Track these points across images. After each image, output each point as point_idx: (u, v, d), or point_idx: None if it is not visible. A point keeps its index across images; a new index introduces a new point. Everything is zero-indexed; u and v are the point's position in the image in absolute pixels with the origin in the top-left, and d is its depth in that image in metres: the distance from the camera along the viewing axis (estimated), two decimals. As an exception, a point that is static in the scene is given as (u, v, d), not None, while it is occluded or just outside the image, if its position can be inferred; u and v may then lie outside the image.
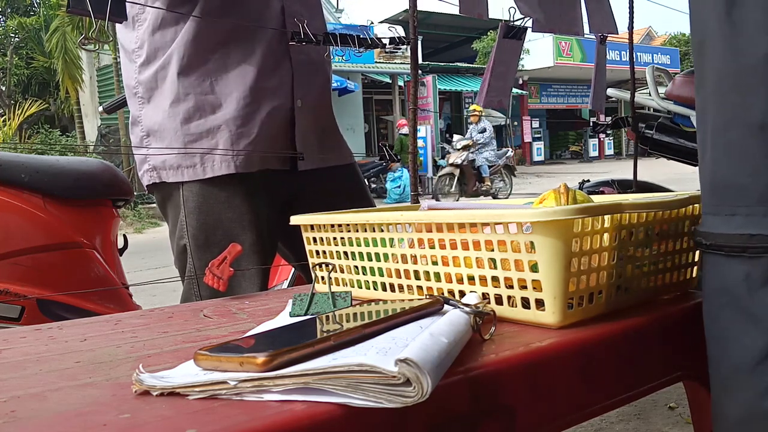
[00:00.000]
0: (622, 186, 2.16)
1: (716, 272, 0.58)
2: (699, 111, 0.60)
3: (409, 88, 1.30)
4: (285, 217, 1.04)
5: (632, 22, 1.76)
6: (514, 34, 1.42)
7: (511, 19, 1.42)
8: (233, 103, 1.17)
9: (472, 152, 10.75)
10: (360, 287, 0.80)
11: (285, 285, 1.82)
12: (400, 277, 0.74)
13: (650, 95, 2.35)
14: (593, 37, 1.79)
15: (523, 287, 0.61)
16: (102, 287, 1.54)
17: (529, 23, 1.44)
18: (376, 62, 15.86)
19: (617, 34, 1.76)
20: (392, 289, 0.76)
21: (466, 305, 0.57)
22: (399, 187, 11.38)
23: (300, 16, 1.20)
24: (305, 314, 0.68)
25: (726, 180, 0.56)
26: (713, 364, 0.59)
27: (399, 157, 8.90)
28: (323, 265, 0.83)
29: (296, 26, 1.17)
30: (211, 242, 1.18)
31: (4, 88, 13.96)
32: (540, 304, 0.60)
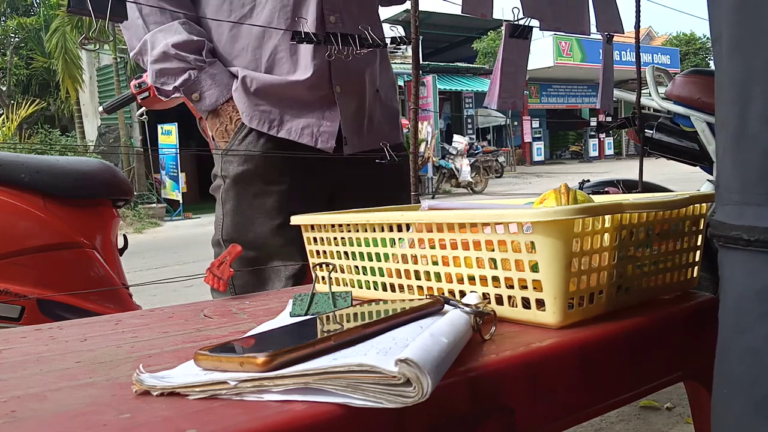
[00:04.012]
0: (627, 186, 2.16)
1: (758, 273, 0.48)
2: (741, 79, 0.49)
3: (410, 88, 1.30)
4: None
5: (638, 22, 1.75)
6: (519, 33, 1.42)
7: (515, 19, 1.41)
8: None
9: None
10: (360, 287, 0.80)
11: None
12: (401, 277, 0.74)
13: (650, 95, 2.35)
14: (594, 37, 1.79)
15: (524, 287, 0.61)
16: (102, 287, 1.53)
17: (534, 22, 1.44)
18: (376, 62, 15.81)
19: (623, 33, 1.75)
20: (392, 289, 0.76)
21: (467, 305, 0.57)
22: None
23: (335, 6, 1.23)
24: (305, 314, 0.68)
25: None
26: (745, 383, 0.50)
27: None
28: (323, 265, 0.83)
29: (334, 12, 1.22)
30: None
31: (4, 88, 13.96)
32: (540, 304, 0.60)
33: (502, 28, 1.47)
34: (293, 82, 1.21)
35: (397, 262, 0.74)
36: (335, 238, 0.82)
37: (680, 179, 4.56)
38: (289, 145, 1.24)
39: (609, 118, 2.33)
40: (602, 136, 22.55)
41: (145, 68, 1.29)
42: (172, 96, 1.24)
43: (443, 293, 0.69)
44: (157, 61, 1.20)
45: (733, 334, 0.51)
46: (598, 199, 0.79)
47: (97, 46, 11.84)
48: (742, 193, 0.49)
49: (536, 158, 21.78)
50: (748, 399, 0.49)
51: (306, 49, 1.21)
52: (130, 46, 1.26)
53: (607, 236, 0.63)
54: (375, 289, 0.78)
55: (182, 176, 11.19)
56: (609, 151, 24.14)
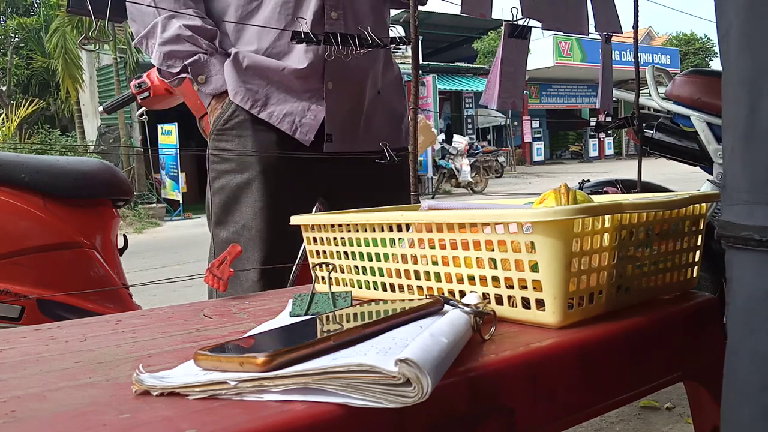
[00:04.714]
0: (626, 186, 2.16)
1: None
2: (750, 77, 0.48)
3: (410, 88, 1.29)
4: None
5: (636, 22, 1.75)
6: (518, 33, 1.42)
7: (514, 19, 1.41)
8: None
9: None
10: (360, 287, 0.80)
11: None
12: (401, 277, 0.74)
13: (650, 95, 2.35)
14: (594, 37, 1.79)
15: (524, 287, 0.61)
16: (102, 287, 1.53)
17: (533, 22, 1.43)
18: (375, 62, 15.81)
19: (621, 33, 1.75)
20: (392, 289, 0.76)
21: (467, 305, 0.57)
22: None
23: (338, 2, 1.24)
24: (305, 314, 0.68)
25: None
26: (754, 387, 0.48)
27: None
28: (323, 265, 0.83)
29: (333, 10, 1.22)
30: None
31: (4, 88, 13.96)
32: (540, 304, 0.60)
33: (502, 28, 1.47)
34: (285, 68, 1.22)
35: (397, 262, 0.74)
36: (335, 238, 0.82)
37: (680, 179, 4.56)
38: (276, 135, 1.24)
39: (609, 118, 2.32)
40: (602, 136, 22.55)
41: (147, 54, 1.29)
42: (175, 78, 1.24)
43: (443, 293, 0.69)
44: (166, 43, 1.21)
45: (743, 336, 0.50)
46: (598, 199, 0.79)
47: (97, 46, 11.83)
48: (751, 193, 0.48)
49: (536, 158, 21.78)
50: (757, 405, 0.48)
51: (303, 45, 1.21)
52: (135, 32, 1.26)
53: (607, 236, 0.63)
54: (375, 289, 0.78)
55: (182, 176, 11.19)
56: (609, 151, 24.15)
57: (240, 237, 1.23)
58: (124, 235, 1.73)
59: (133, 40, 1.30)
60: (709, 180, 2.19)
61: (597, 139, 23.08)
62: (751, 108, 0.48)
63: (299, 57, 1.22)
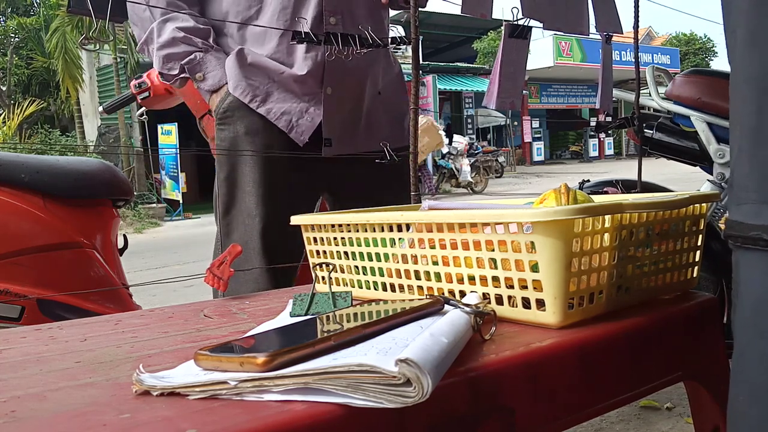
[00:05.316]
0: (626, 186, 2.16)
1: None
2: (759, 75, 0.48)
3: (410, 88, 1.29)
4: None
5: (637, 22, 1.75)
6: (519, 33, 1.42)
7: (514, 19, 1.41)
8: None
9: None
10: (360, 287, 0.80)
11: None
12: (401, 277, 0.74)
13: (650, 95, 2.34)
14: (594, 37, 1.78)
15: (524, 287, 0.61)
16: (102, 287, 1.53)
17: (534, 22, 1.43)
18: (376, 62, 15.81)
19: (622, 33, 1.75)
20: (392, 289, 0.76)
21: (467, 305, 0.57)
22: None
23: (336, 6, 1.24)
24: (305, 314, 0.68)
25: None
26: (765, 391, 0.48)
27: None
28: (323, 265, 0.83)
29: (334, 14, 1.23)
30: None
31: (4, 88, 13.95)
32: (540, 304, 0.60)
33: (502, 28, 1.47)
34: (284, 72, 1.24)
35: (397, 262, 0.74)
36: (335, 238, 0.82)
37: (680, 179, 4.56)
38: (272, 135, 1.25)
39: (609, 118, 2.32)
40: (602, 136, 22.55)
41: (150, 60, 1.31)
42: (177, 78, 1.26)
43: (443, 293, 0.69)
44: (164, 47, 1.24)
45: (751, 338, 0.49)
46: (598, 199, 0.79)
47: (97, 46, 11.83)
48: (760, 192, 0.47)
49: (536, 158, 21.78)
50: (766, 407, 0.47)
51: (302, 50, 1.23)
52: (138, 37, 1.29)
53: (607, 236, 0.63)
54: (375, 289, 0.78)
55: (182, 176, 11.20)
56: (609, 151, 24.16)
57: (244, 226, 1.25)
58: (124, 235, 1.73)
59: (134, 41, 1.32)
60: (709, 180, 2.19)
61: (597, 139, 23.09)
62: (760, 107, 0.47)
63: (298, 64, 1.24)
